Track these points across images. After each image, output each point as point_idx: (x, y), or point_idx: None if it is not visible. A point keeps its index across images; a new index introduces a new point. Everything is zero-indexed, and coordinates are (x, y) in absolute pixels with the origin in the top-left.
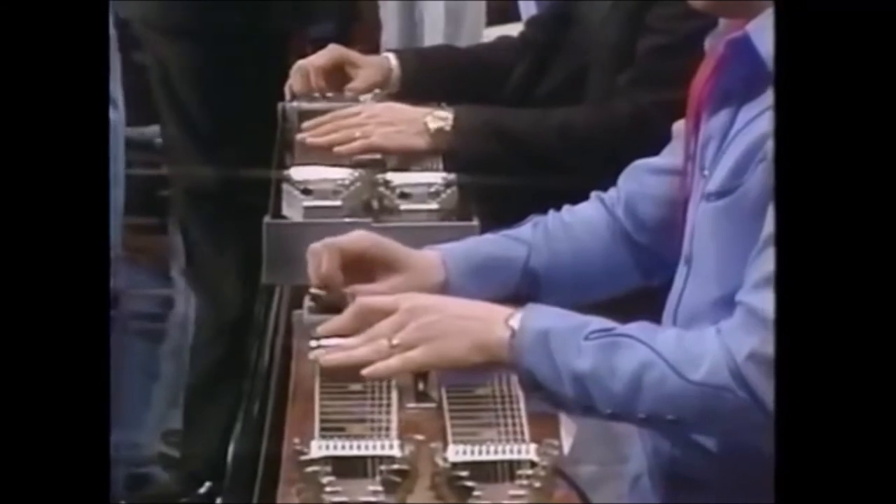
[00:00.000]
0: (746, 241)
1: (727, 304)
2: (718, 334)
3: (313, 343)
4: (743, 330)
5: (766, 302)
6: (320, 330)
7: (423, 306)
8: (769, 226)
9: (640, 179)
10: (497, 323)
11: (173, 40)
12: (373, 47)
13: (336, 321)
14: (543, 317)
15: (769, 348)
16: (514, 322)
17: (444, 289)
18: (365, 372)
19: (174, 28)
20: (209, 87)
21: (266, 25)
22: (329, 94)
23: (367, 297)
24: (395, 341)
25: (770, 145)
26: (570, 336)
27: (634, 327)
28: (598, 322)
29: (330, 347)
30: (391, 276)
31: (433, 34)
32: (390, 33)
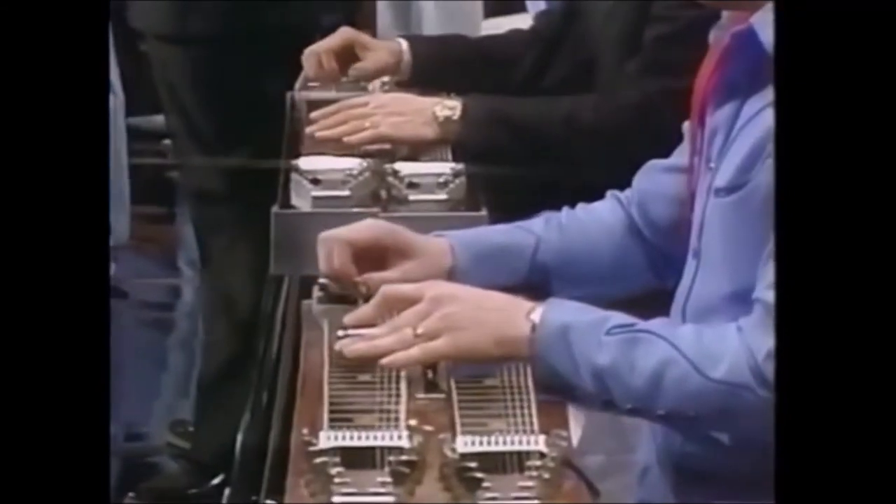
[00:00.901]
0: (757, 237)
1: (738, 299)
2: (739, 332)
3: (340, 333)
4: (762, 328)
5: None
6: (346, 320)
7: (448, 295)
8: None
9: (654, 178)
10: (518, 316)
11: (177, 44)
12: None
13: (361, 311)
14: (564, 311)
15: None
16: (535, 316)
17: (452, 275)
18: (384, 361)
19: (178, 32)
20: (216, 86)
21: (270, 22)
22: (339, 82)
23: (392, 285)
24: (419, 331)
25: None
26: (591, 331)
27: (655, 323)
28: (618, 317)
29: (355, 337)
30: (402, 263)
31: (428, 26)
32: (385, 26)
